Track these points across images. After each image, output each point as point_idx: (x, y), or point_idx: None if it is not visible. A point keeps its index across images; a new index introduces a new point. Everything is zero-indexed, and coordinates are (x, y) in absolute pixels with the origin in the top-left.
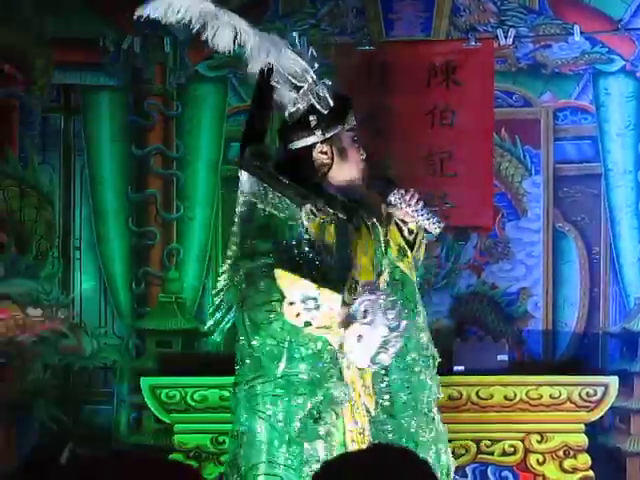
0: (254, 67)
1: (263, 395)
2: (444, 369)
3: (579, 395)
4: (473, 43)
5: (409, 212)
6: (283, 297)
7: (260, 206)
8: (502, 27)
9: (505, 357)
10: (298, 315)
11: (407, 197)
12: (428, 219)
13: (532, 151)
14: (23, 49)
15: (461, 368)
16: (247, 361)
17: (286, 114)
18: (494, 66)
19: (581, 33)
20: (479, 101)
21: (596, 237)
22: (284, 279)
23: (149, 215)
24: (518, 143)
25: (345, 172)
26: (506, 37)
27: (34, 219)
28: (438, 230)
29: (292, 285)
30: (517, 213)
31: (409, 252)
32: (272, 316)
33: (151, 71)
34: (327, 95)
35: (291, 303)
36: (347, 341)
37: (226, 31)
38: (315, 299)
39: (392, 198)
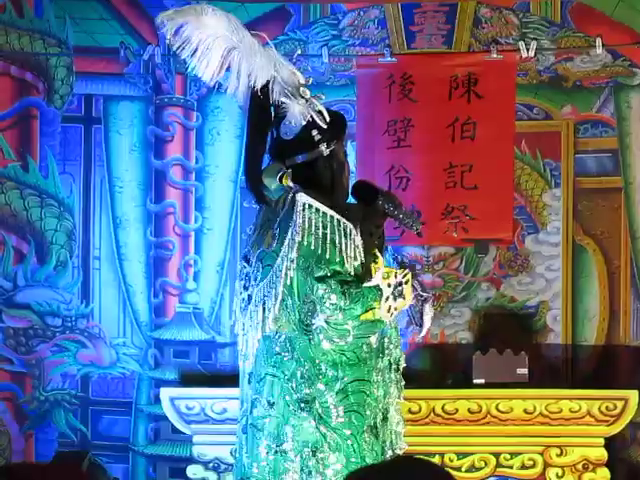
0: (260, 80)
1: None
2: (464, 382)
3: (599, 409)
4: (495, 55)
5: (395, 213)
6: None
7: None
8: (524, 40)
9: (525, 370)
10: (389, 310)
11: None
12: (413, 221)
13: (552, 164)
14: (45, 58)
15: (481, 381)
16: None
17: (282, 129)
18: (516, 79)
19: (603, 46)
20: (500, 114)
21: (616, 251)
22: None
23: (168, 226)
24: (538, 156)
25: (344, 185)
26: (528, 50)
27: (54, 229)
28: (418, 229)
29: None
30: (537, 226)
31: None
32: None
33: (172, 82)
34: (323, 108)
35: (386, 299)
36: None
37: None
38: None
39: (382, 204)
